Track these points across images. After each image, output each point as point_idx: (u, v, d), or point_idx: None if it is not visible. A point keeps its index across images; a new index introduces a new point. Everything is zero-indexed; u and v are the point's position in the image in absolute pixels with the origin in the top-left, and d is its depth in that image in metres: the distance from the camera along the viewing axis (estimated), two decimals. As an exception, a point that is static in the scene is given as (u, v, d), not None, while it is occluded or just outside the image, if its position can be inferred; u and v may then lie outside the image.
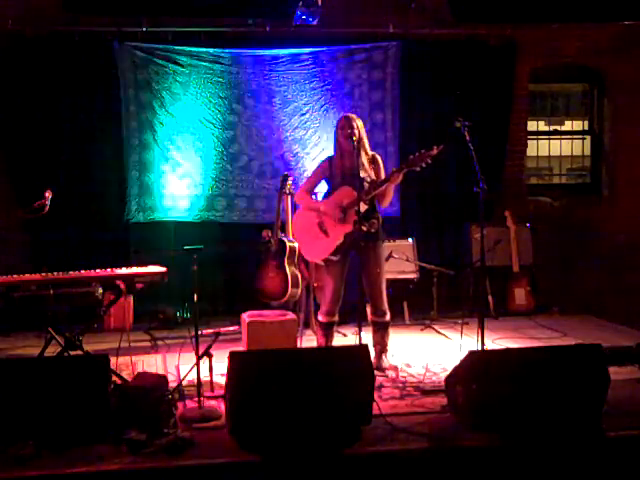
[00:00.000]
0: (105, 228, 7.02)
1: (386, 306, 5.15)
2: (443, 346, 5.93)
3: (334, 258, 5.06)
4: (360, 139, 4.98)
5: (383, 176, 5.09)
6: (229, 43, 7.17)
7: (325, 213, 5.08)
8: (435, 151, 4.75)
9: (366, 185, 4.96)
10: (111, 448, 3.62)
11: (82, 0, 6.49)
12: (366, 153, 5.11)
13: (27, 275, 4.78)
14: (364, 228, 4.85)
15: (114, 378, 4.30)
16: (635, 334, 6.00)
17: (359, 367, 3.85)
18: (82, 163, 6.98)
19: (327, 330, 5.22)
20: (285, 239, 6.33)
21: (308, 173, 7.09)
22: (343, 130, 5.01)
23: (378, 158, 5.19)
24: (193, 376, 4.42)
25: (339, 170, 5.09)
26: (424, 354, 5.57)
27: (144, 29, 6.92)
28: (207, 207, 7.25)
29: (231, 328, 6.26)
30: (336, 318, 5.23)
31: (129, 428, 3.73)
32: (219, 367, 4.58)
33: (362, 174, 4.97)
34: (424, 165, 4.79)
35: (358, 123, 5.03)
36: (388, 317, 5.16)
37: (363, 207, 4.90)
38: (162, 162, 7.16)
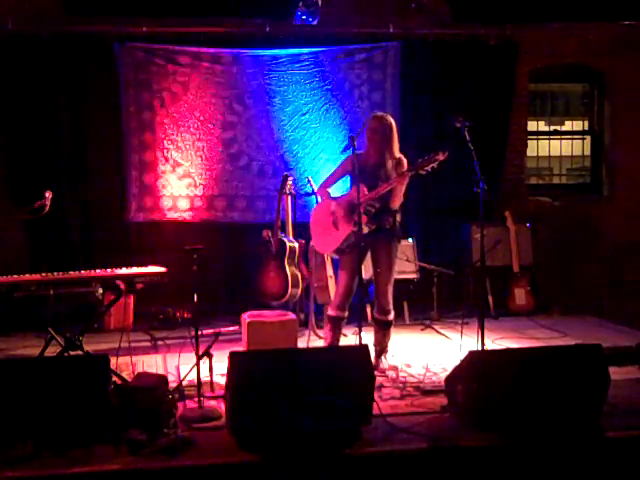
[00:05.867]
0: (105, 228, 7.02)
1: (391, 306, 5.15)
2: (443, 346, 5.93)
3: (335, 256, 5.07)
4: (386, 140, 4.96)
5: None
6: (229, 43, 7.16)
7: (336, 210, 5.09)
8: (442, 156, 4.73)
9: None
10: (111, 448, 3.62)
11: (82, 1, 6.50)
12: (391, 154, 5.03)
13: (27, 275, 4.78)
14: (365, 228, 4.85)
15: (114, 378, 4.30)
16: (635, 334, 5.99)
17: (359, 367, 3.85)
18: (82, 163, 6.98)
19: (335, 325, 5.20)
20: (285, 239, 6.33)
21: (308, 173, 7.12)
22: (370, 133, 5.00)
23: (404, 161, 5.05)
24: (193, 376, 4.42)
25: (362, 167, 4.95)
26: (424, 354, 5.57)
27: (144, 29, 6.92)
28: (207, 207, 7.24)
29: (231, 328, 6.26)
30: (346, 313, 5.20)
31: (129, 428, 3.73)
32: (219, 367, 4.58)
33: (383, 174, 4.95)
34: (429, 170, 4.78)
35: (387, 121, 4.98)
36: (391, 317, 5.16)
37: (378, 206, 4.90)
38: (162, 162, 7.17)
